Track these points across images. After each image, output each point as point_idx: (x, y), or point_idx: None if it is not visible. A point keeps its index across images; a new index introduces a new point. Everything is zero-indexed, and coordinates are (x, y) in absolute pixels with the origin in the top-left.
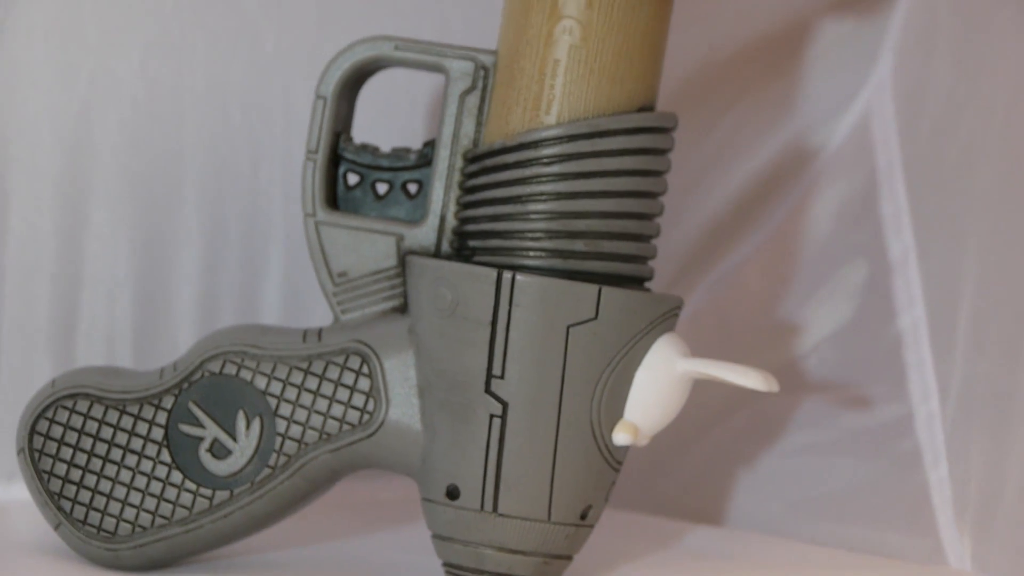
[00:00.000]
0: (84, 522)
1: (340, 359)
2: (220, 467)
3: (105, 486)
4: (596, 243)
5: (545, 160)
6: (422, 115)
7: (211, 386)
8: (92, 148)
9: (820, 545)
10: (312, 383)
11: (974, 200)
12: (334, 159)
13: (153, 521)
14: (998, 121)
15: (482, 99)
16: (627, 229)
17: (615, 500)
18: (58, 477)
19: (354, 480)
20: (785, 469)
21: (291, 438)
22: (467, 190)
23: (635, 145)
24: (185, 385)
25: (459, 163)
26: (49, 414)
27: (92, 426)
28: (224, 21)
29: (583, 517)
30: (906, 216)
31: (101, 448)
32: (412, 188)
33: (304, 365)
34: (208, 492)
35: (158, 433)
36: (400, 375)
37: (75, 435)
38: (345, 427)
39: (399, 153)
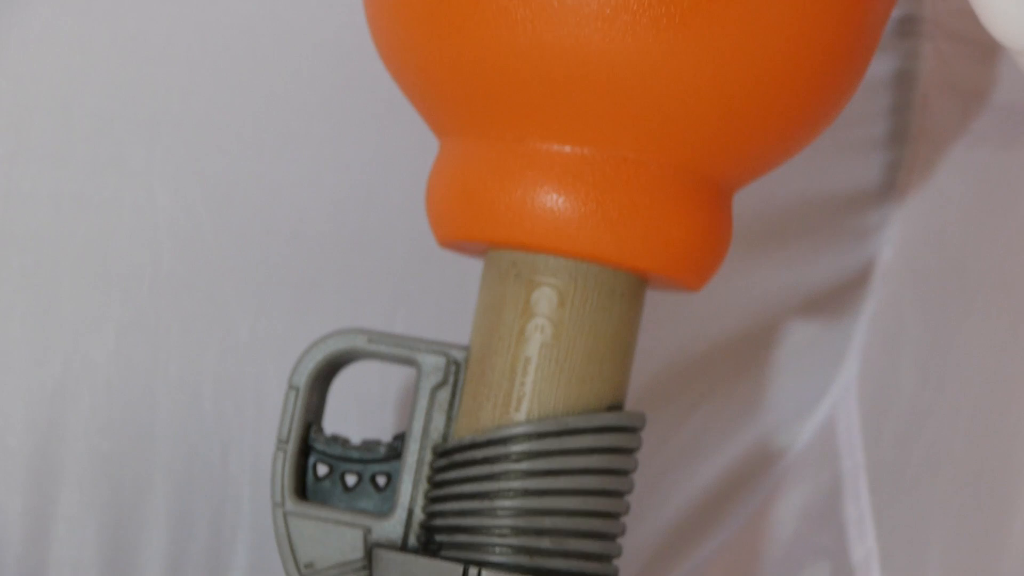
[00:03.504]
0: None
1: None
2: None
3: None
4: (562, 541)
5: (514, 457)
6: (392, 408)
7: None
8: (64, 430)
9: None
10: None
11: (937, 506)
12: (304, 449)
13: None
14: (962, 429)
15: (453, 394)
16: (593, 527)
17: None
18: None
19: None
20: None
21: None
22: (435, 484)
23: (603, 444)
24: None
25: (428, 457)
26: None
27: None
28: (199, 307)
29: None
30: (869, 520)
31: None
32: (381, 481)
33: None
34: None
35: None
36: None
37: None
38: None
39: (369, 445)
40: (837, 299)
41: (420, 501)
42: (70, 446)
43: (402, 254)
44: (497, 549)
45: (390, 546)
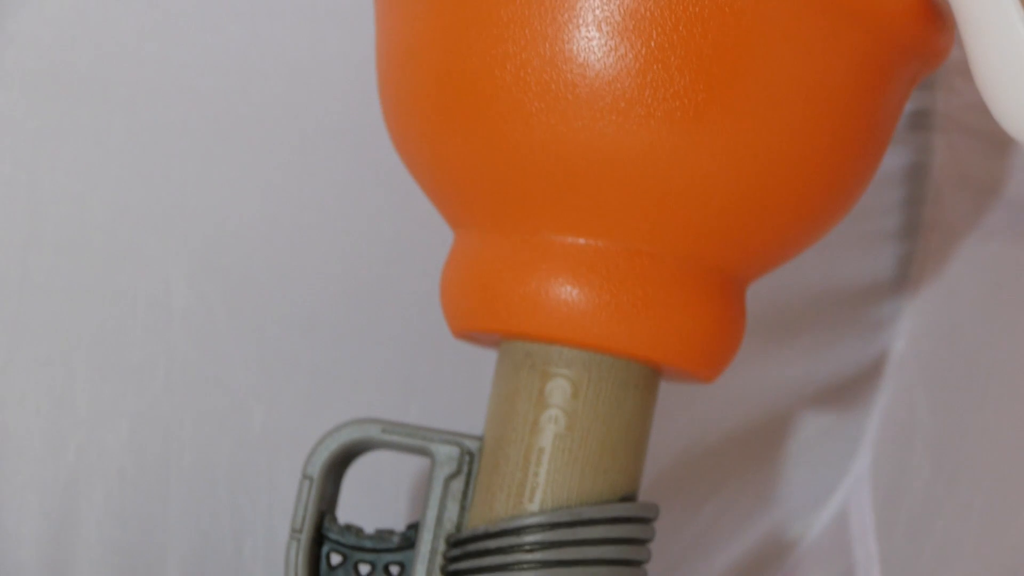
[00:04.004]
0: None
1: None
2: None
3: None
4: None
5: (527, 547)
6: (406, 497)
7: None
8: (77, 519)
9: None
10: None
11: None
12: (318, 538)
13: None
14: (974, 520)
15: (466, 484)
16: None
17: None
18: None
19: None
20: None
21: None
22: (449, 574)
23: (616, 535)
24: None
25: (442, 547)
26: None
27: None
28: (213, 397)
29: None
30: None
31: None
32: (394, 570)
33: None
34: None
35: None
36: None
37: None
38: None
39: (382, 535)
40: (850, 390)
41: None
42: (83, 535)
43: (416, 344)
44: None
45: None
